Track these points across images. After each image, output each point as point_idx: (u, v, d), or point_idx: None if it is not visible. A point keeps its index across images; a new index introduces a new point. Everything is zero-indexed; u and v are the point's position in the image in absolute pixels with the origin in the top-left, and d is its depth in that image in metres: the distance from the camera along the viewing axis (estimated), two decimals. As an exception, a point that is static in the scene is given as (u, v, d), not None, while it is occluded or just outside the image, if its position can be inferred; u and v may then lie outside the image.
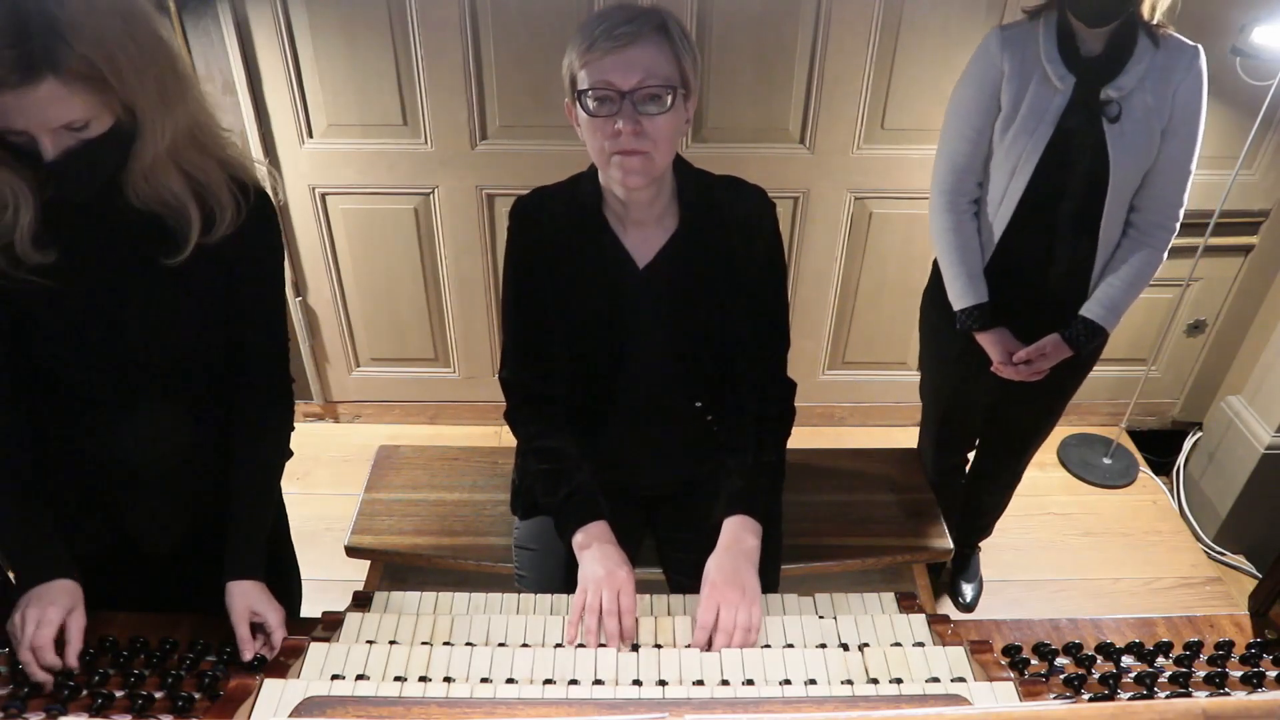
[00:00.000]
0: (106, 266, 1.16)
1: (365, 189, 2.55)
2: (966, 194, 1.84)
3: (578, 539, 1.36)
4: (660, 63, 1.21)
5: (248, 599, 1.22)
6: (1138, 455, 2.91)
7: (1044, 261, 1.80)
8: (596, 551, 1.32)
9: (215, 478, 1.34)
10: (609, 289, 1.39)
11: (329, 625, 1.25)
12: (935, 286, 1.96)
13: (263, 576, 1.27)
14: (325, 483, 2.76)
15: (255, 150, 2.43)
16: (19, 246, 1.07)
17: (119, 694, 1.06)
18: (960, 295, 1.85)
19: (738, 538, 1.35)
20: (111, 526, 1.36)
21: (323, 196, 2.57)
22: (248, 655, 1.19)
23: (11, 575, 1.24)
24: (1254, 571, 2.54)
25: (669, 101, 1.22)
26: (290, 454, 1.41)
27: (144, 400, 1.26)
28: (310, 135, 2.47)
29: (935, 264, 1.96)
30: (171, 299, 1.20)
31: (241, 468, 1.32)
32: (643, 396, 1.48)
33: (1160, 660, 1.20)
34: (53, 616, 1.11)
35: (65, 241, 1.11)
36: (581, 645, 1.18)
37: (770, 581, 1.55)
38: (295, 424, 1.41)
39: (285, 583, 1.63)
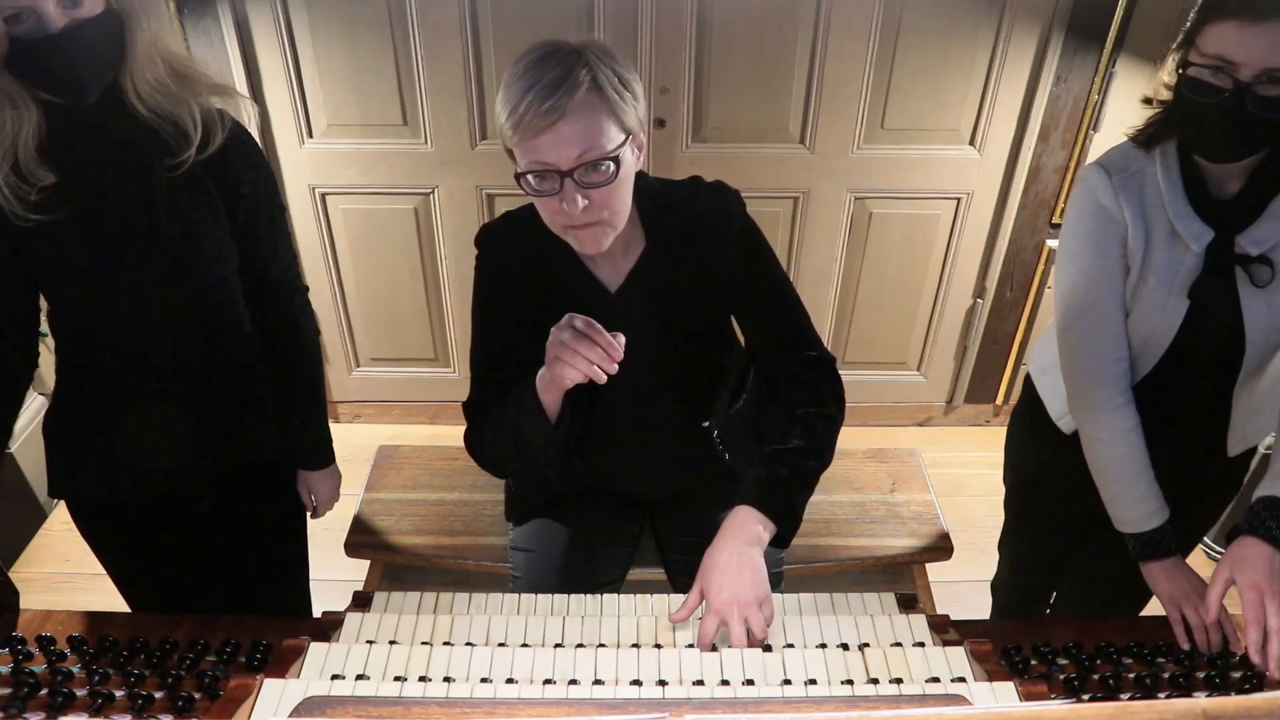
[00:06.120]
0: (108, 184, 1.21)
1: (365, 189, 2.56)
2: (1120, 381, 1.38)
3: (539, 382, 1.23)
4: (598, 129, 1.11)
5: (305, 483, 1.58)
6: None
7: (1158, 453, 1.40)
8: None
9: (230, 408, 1.42)
10: None
11: (329, 625, 1.24)
12: (1030, 414, 1.62)
13: (317, 466, 1.57)
14: (325, 483, 2.76)
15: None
16: (22, 157, 1.13)
17: (119, 694, 1.06)
18: (1134, 517, 1.38)
19: (742, 525, 1.27)
20: (122, 463, 1.40)
21: (323, 196, 2.57)
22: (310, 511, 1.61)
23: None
24: (1254, 571, 2.53)
25: (613, 170, 1.14)
26: (320, 350, 1.54)
27: (149, 328, 1.31)
28: (310, 135, 2.47)
29: (1027, 383, 1.66)
30: (169, 215, 1.24)
31: (285, 374, 1.48)
32: (631, 417, 1.44)
33: (1160, 660, 1.20)
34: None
35: (67, 157, 1.17)
36: (581, 646, 1.18)
37: (772, 580, 1.55)
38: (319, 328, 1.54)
39: (291, 581, 1.66)
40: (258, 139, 2.39)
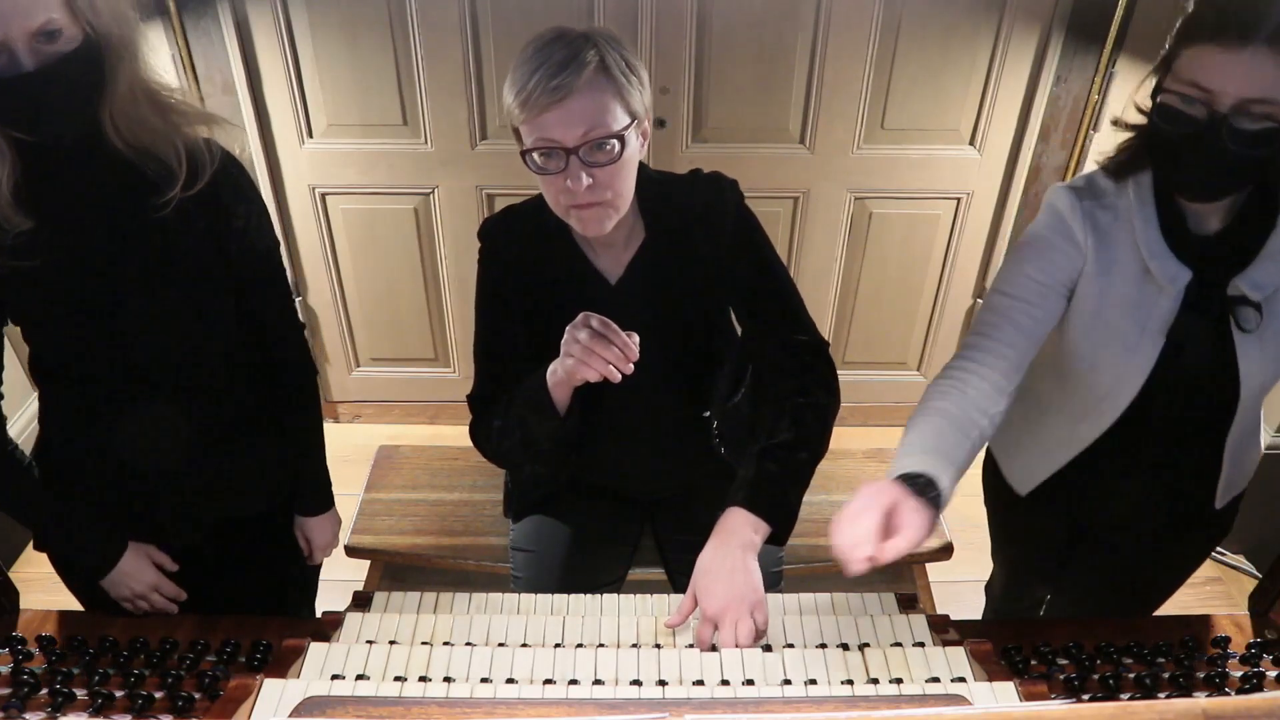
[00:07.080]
0: (90, 226, 1.15)
1: (365, 189, 2.56)
2: (979, 360, 1.21)
3: (550, 378, 1.24)
4: (604, 108, 1.13)
5: (301, 528, 1.53)
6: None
7: (1136, 493, 1.37)
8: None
9: (230, 461, 1.37)
10: (582, 309, 1.30)
11: (329, 625, 1.24)
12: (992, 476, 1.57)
13: (315, 511, 1.52)
14: (325, 483, 2.76)
15: (256, 150, 2.43)
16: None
17: (119, 694, 1.06)
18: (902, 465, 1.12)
19: (732, 529, 1.24)
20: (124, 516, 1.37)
21: (323, 196, 2.57)
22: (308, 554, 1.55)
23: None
24: (1254, 571, 2.53)
25: (618, 150, 1.16)
26: (316, 395, 1.49)
27: (138, 372, 1.26)
28: (310, 135, 2.47)
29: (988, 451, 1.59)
30: (159, 256, 1.19)
31: (282, 422, 1.44)
32: (630, 408, 1.42)
33: (1160, 660, 1.20)
34: (151, 578, 1.36)
35: (47, 201, 1.11)
36: (581, 646, 1.18)
37: (772, 580, 1.55)
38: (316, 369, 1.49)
39: (295, 583, 1.64)
40: (258, 141, 2.41)
